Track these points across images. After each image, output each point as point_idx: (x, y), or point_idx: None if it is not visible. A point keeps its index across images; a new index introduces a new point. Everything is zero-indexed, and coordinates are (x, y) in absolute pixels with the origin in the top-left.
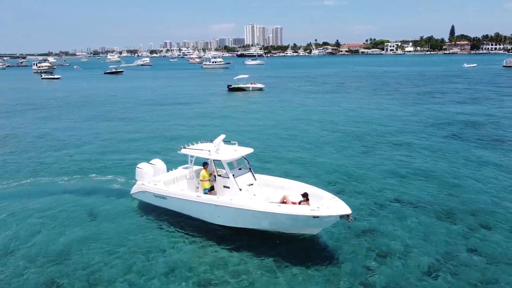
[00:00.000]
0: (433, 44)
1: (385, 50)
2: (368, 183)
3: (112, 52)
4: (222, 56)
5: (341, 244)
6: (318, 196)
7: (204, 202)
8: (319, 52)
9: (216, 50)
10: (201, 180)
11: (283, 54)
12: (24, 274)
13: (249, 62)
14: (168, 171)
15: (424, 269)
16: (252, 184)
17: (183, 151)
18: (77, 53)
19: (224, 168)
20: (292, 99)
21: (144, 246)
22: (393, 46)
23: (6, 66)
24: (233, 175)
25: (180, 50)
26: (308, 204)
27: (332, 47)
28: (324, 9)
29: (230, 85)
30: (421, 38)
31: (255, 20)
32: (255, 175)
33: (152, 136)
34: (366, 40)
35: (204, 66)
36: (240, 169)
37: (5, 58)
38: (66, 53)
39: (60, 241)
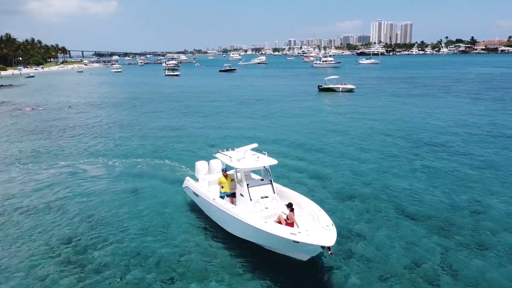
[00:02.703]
0: None
1: None
2: None
3: (239, 50)
4: (342, 55)
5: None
6: (315, 218)
7: (214, 205)
8: (449, 50)
9: (337, 48)
10: (218, 184)
11: (407, 52)
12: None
13: (363, 61)
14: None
15: None
16: (266, 197)
17: (217, 155)
18: (208, 51)
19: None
20: (381, 104)
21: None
22: None
23: (145, 64)
24: (247, 185)
25: (300, 48)
26: (292, 214)
27: (466, 45)
28: (460, 2)
29: (321, 86)
30: None
31: (383, 16)
32: (284, 189)
33: (224, 135)
34: (510, 37)
35: (314, 65)
36: (262, 179)
37: (148, 55)
38: (199, 51)
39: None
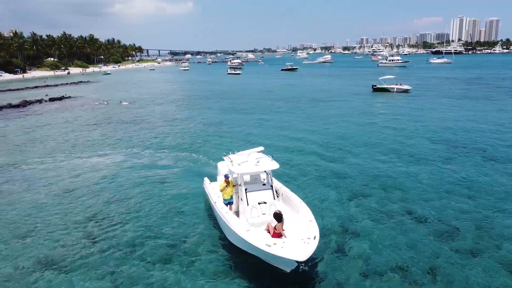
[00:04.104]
0: None
1: None
2: None
3: (308, 49)
4: (416, 53)
5: None
6: (304, 228)
7: (215, 209)
8: None
9: (411, 46)
10: (220, 190)
11: (489, 51)
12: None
13: (434, 60)
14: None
15: None
16: (265, 202)
17: (224, 158)
18: (278, 50)
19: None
20: (433, 106)
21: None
22: None
23: (212, 62)
24: (246, 189)
25: (371, 46)
26: (280, 225)
27: None
28: None
29: (375, 85)
30: None
31: (466, 12)
32: (289, 193)
33: (262, 133)
34: None
35: (380, 65)
36: (264, 184)
37: (218, 54)
38: (268, 50)
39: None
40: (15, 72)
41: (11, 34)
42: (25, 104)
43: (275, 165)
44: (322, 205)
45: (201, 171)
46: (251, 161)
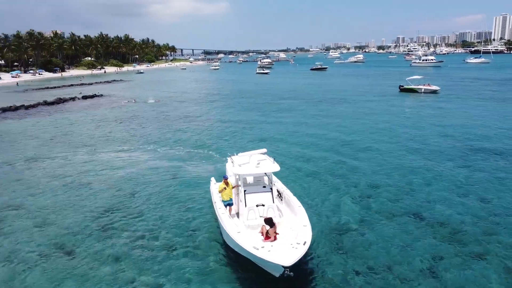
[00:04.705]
0: None
1: None
2: None
3: (341, 48)
4: (453, 53)
5: None
6: (296, 233)
7: (215, 209)
8: None
9: (449, 45)
10: (219, 191)
11: None
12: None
13: (470, 60)
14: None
15: None
16: (263, 205)
17: (228, 158)
18: (311, 49)
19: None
20: (460, 107)
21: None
22: None
23: (243, 61)
24: (245, 191)
25: (407, 46)
26: (272, 230)
27: None
28: None
29: (402, 86)
30: None
31: (510, 10)
32: (290, 196)
33: (278, 133)
34: None
35: (413, 64)
36: (264, 187)
37: (250, 54)
38: (301, 49)
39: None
40: (54, 71)
41: (52, 35)
42: (59, 101)
43: (275, 168)
44: (327, 203)
45: (212, 169)
46: (252, 163)
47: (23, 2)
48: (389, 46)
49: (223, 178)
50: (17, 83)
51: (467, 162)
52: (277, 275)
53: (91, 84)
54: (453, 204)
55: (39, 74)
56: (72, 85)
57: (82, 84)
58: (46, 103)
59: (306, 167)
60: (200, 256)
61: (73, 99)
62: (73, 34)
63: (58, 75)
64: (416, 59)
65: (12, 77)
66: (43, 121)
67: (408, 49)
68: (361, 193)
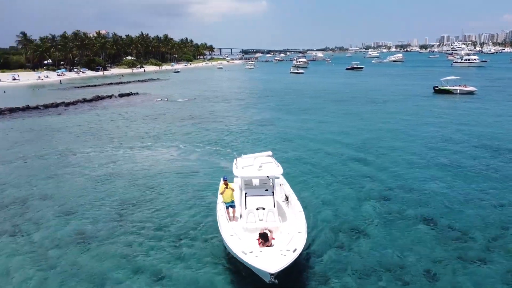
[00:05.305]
0: None
1: None
2: None
3: (382, 47)
4: (502, 52)
5: None
6: (291, 243)
7: (216, 210)
8: None
9: (497, 44)
10: (220, 193)
11: None
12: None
13: None
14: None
15: None
16: (263, 209)
17: (235, 160)
18: (350, 48)
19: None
20: (497, 111)
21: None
22: None
23: (279, 61)
24: (246, 194)
25: (451, 45)
26: (268, 244)
27: None
28: None
29: (436, 86)
30: None
31: None
32: (294, 201)
33: (300, 133)
34: None
35: (454, 64)
36: (266, 190)
37: (288, 53)
38: (340, 48)
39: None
40: (96, 70)
41: (95, 35)
42: (97, 99)
43: (278, 171)
44: (338, 202)
45: (230, 168)
46: (255, 166)
47: (71, 3)
48: (432, 45)
49: (223, 179)
50: (61, 81)
51: (491, 167)
52: (267, 280)
53: (129, 82)
54: (469, 211)
55: (82, 72)
56: (111, 83)
57: (121, 83)
58: (84, 100)
59: (321, 166)
60: (201, 253)
61: (110, 97)
62: (115, 34)
63: (100, 73)
64: (458, 58)
65: (58, 75)
66: (78, 118)
67: (452, 48)
68: (374, 195)
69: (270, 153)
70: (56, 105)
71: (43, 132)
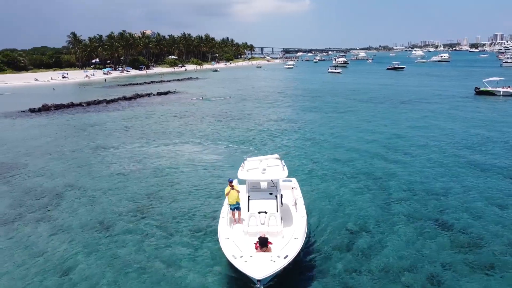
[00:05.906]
0: None
1: None
2: None
3: (429, 46)
4: None
5: None
6: (284, 249)
7: (220, 212)
8: None
9: None
10: (225, 194)
11: None
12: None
13: None
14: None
15: None
16: (265, 212)
17: (243, 163)
18: (395, 47)
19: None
20: None
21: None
22: None
23: (320, 60)
24: (249, 196)
25: (503, 43)
26: (266, 246)
27: None
28: None
29: (478, 88)
30: None
31: None
32: (300, 204)
33: (325, 133)
34: None
35: (504, 64)
36: (271, 193)
37: (330, 52)
38: (385, 47)
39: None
40: (140, 68)
41: (140, 35)
42: (136, 97)
43: (283, 175)
44: (354, 201)
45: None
46: (260, 168)
47: (119, 4)
48: (484, 44)
49: (228, 181)
50: (105, 80)
51: None
52: (258, 285)
53: (170, 81)
54: (486, 216)
55: (127, 71)
56: (152, 82)
57: (161, 81)
58: (124, 98)
59: (344, 166)
60: (207, 251)
61: (148, 95)
62: (159, 34)
63: (143, 72)
64: (509, 58)
65: (104, 74)
66: (116, 115)
67: (505, 47)
68: (393, 197)
69: (277, 156)
70: (97, 103)
71: (82, 127)
